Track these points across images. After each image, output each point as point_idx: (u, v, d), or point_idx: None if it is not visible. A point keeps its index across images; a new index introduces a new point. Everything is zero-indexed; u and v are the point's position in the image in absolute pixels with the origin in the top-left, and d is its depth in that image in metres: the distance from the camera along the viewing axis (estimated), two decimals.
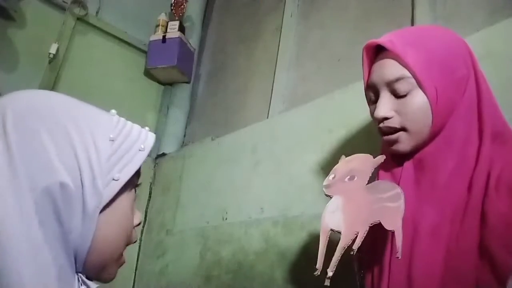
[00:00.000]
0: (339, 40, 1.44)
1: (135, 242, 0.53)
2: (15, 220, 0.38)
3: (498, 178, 0.57)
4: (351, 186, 0.64)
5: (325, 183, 0.68)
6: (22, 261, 0.38)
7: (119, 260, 0.51)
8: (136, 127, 0.51)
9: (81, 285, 0.44)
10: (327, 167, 1.19)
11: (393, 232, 0.57)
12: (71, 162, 0.42)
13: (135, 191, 0.52)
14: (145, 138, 0.50)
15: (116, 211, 0.46)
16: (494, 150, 0.60)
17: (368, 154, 0.67)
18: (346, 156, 0.72)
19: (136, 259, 1.83)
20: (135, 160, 0.47)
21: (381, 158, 0.64)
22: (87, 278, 0.47)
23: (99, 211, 0.43)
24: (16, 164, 0.40)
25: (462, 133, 0.63)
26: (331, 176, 0.68)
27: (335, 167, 0.71)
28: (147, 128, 0.52)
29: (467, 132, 0.63)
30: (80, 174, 0.42)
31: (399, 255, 0.56)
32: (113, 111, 0.51)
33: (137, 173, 0.49)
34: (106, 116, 0.49)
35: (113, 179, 0.44)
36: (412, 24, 1.19)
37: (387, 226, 0.57)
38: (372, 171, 0.63)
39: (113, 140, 0.46)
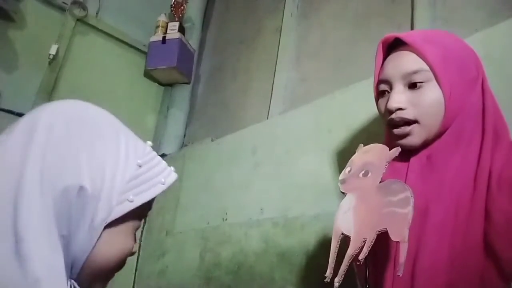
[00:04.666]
0: (339, 40, 1.44)
1: (120, 268, 0.53)
2: (36, 216, 0.40)
3: (499, 176, 0.58)
4: (364, 183, 0.62)
5: (341, 177, 0.66)
6: (40, 255, 0.39)
7: (110, 276, 0.51)
8: (164, 163, 0.53)
9: None
10: (327, 167, 1.19)
11: (397, 243, 0.56)
12: (98, 171, 0.44)
13: (142, 219, 0.53)
14: (168, 175, 0.52)
15: (120, 232, 0.48)
16: (494, 149, 0.61)
17: (384, 145, 0.65)
18: (364, 145, 0.69)
19: (136, 260, 1.83)
20: (153, 190, 0.49)
21: (396, 151, 0.62)
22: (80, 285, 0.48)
23: (104, 224, 0.45)
24: (49, 160, 0.42)
25: (468, 131, 0.64)
26: (347, 169, 0.66)
27: (352, 158, 0.68)
28: (172, 168, 0.54)
29: (472, 131, 0.64)
30: (101, 185, 0.44)
31: (400, 272, 0.54)
32: (149, 142, 0.54)
33: (149, 205, 0.51)
34: (141, 144, 0.52)
35: (127, 200, 0.46)
36: (412, 24, 1.19)
37: (393, 236, 0.56)
38: (386, 165, 0.61)
39: (140, 166, 0.48)
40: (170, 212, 1.79)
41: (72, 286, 0.45)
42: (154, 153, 0.53)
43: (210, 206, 1.59)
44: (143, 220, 0.56)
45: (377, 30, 1.29)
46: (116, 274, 0.52)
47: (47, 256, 0.40)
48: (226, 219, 1.49)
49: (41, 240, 0.40)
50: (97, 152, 0.45)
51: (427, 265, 0.59)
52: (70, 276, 0.45)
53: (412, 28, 1.17)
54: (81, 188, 0.43)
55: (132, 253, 0.53)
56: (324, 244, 1.11)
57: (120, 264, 0.50)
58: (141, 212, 0.51)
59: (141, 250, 1.85)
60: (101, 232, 0.45)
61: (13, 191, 0.40)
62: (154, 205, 0.55)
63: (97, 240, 0.45)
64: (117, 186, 0.45)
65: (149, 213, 0.56)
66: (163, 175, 0.51)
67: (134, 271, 1.82)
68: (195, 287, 1.50)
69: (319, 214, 1.15)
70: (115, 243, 0.48)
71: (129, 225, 0.49)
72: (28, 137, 0.43)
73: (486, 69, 0.68)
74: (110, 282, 0.53)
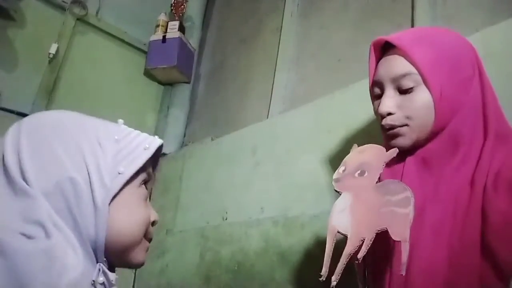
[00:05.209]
0: (339, 40, 1.44)
1: (151, 239, 0.56)
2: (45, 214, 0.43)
3: (496, 176, 0.58)
4: (360, 183, 0.61)
5: (335, 176, 0.65)
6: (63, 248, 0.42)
7: (139, 246, 0.53)
8: (144, 133, 0.55)
9: (100, 274, 0.47)
10: (327, 167, 1.19)
11: (398, 242, 0.55)
12: (78, 160, 0.47)
13: (146, 188, 0.55)
14: (152, 141, 0.54)
15: (125, 202, 0.50)
16: (495, 149, 0.61)
17: (381, 146, 0.64)
18: (358, 145, 0.69)
19: None
20: (139, 157, 0.51)
21: (393, 152, 0.62)
22: (115, 265, 0.51)
23: (108, 203, 0.47)
24: (26, 165, 0.45)
25: (467, 132, 0.63)
26: (341, 169, 0.65)
27: (346, 157, 0.68)
28: (156, 136, 0.56)
29: (471, 131, 0.63)
30: (88, 170, 0.46)
31: (403, 272, 0.53)
32: (120, 120, 0.55)
33: (147, 172, 0.54)
34: (112, 124, 0.54)
35: (119, 173, 0.48)
36: (412, 24, 1.19)
37: (394, 236, 0.55)
38: (384, 166, 0.61)
39: (118, 141, 0.50)
40: (170, 211, 1.79)
41: (100, 270, 0.47)
42: (131, 128, 0.55)
43: (210, 205, 1.59)
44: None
45: (377, 30, 1.29)
46: (118, 269, 0.53)
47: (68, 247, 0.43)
48: (226, 219, 1.50)
49: (60, 234, 0.43)
50: (69, 143, 0.47)
51: (424, 265, 0.59)
52: (97, 260, 0.47)
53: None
54: (71, 179, 0.45)
55: (153, 222, 0.56)
56: (324, 244, 1.11)
57: (140, 233, 0.52)
58: (141, 181, 0.53)
59: None
60: (109, 212, 0.47)
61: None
62: (154, 204, 0.56)
63: (108, 220, 0.47)
64: (103, 165, 0.47)
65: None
66: (146, 142, 0.53)
67: (134, 270, 1.82)
68: (195, 286, 1.50)
69: (319, 214, 1.15)
70: (126, 217, 0.50)
71: (134, 196, 0.51)
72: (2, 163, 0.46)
73: (486, 69, 0.67)
74: None
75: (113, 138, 0.50)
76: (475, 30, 0.97)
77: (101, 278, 0.46)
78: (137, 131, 0.54)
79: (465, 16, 1.08)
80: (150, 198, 0.58)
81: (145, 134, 0.54)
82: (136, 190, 0.52)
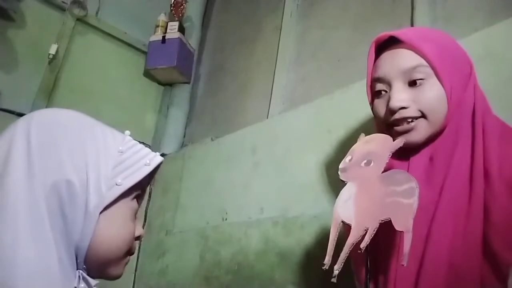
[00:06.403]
0: (339, 40, 1.44)
1: (132, 254, 0.56)
2: (27, 214, 0.43)
3: (497, 174, 0.57)
4: (366, 172, 0.60)
5: (341, 165, 0.64)
6: (30, 252, 0.42)
7: (121, 260, 0.53)
8: (147, 148, 0.56)
9: (81, 281, 0.47)
10: (326, 167, 1.19)
11: (401, 233, 0.55)
12: (80, 164, 0.47)
13: (138, 203, 0.56)
14: (153, 157, 0.55)
15: (116, 214, 0.50)
16: (490, 145, 0.61)
17: (388, 136, 0.63)
18: (365, 135, 0.68)
19: (136, 260, 1.83)
20: (139, 171, 0.52)
21: (400, 142, 0.61)
22: (92, 274, 0.50)
23: (99, 210, 0.47)
24: (33, 161, 0.45)
25: (464, 129, 0.64)
26: (348, 158, 0.65)
27: (353, 147, 0.67)
28: (157, 153, 0.57)
29: (466, 128, 0.64)
30: (87, 175, 0.47)
31: (405, 262, 0.53)
32: (127, 132, 0.56)
33: (142, 187, 0.55)
34: (119, 133, 0.55)
35: (116, 184, 0.49)
36: (412, 24, 1.19)
37: (397, 226, 0.55)
38: (390, 156, 0.60)
39: (122, 152, 0.51)
40: (170, 211, 1.79)
41: (81, 276, 0.47)
42: (135, 141, 0.56)
43: (210, 206, 1.59)
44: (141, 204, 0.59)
45: (377, 30, 1.28)
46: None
47: (36, 250, 0.42)
48: (226, 219, 1.49)
49: (29, 237, 0.42)
50: (76, 146, 0.48)
51: (428, 266, 0.58)
52: (77, 267, 0.47)
53: None
54: (68, 182, 0.46)
55: (138, 237, 0.56)
56: (324, 244, 1.10)
57: (124, 248, 0.52)
58: (135, 195, 0.53)
59: (141, 250, 1.85)
60: (99, 220, 0.47)
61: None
62: (154, 205, 0.56)
63: (96, 227, 0.47)
64: (103, 173, 0.48)
65: (150, 213, 0.57)
66: (148, 158, 0.53)
67: (134, 271, 1.82)
68: (195, 286, 1.50)
69: (319, 214, 1.15)
70: (114, 229, 0.50)
71: (125, 210, 0.52)
72: (7, 152, 0.46)
73: (485, 69, 0.68)
74: (109, 282, 0.54)
75: (117, 149, 0.51)
76: (475, 30, 0.97)
77: (83, 285, 0.47)
78: (141, 145, 0.55)
79: (465, 16, 1.08)
80: (150, 198, 0.58)
81: (147, 149, 0.55)
82: (128, 203, 0.52)
